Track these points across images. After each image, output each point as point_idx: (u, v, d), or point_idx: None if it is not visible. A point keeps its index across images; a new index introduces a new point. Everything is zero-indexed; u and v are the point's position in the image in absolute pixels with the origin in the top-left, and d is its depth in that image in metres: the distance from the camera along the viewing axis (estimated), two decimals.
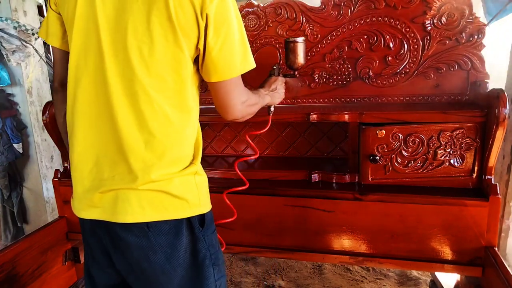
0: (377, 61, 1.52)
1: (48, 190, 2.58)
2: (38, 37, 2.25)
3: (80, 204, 0.89)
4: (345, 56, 1.55)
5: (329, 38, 1.55)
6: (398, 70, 1.51)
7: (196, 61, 0.85)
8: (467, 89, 1.46)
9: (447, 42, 1.44)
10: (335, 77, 1.58)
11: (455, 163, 1.35)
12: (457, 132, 1.32)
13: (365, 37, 1.51)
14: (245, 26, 1.59)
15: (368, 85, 1.56)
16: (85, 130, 0.85)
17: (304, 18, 1.55)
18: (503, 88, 1.29)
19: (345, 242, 1.44)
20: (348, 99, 1.59)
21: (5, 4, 2.28)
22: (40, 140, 2.53)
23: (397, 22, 1.46)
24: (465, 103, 1.45)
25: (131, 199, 0.82)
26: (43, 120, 1.58)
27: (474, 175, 1.35)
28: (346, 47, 1.54)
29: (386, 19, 1.47)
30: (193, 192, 0.88)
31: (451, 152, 1.34)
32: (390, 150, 1.37)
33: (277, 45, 1.60)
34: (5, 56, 2.26)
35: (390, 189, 1.38)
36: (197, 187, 0.89)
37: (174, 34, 0.78)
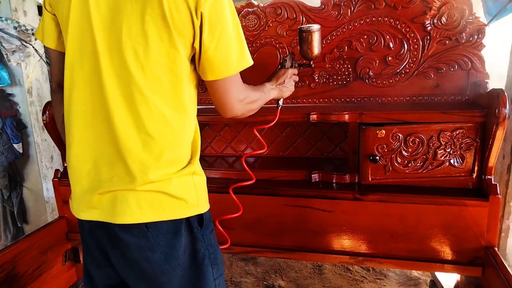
0: (377, 61, 1.52)
1: (48, 190, 2.58)
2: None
3: (78, 205, 0.89)
4: (345, 56, 1.55)
5: (329, 38, 1.55)
6: (398, 70, 1.51)
7: (193, 60, 0.85)
8: (467, 89, 1.46)
9: (447, 42, 1.44)
10: (335, 77, 1.58)
11: (455, 163, 1.35)
12: (457, 132, 1.32)
13: (365, 37, 1.51)
14: (245, 26, 1.61)
15: (368, 85, 1.56)
16: (82, 131, 0.85)
17: (304, 18, 1.55)
18: (503, 88, 1.29)
19: (345, 242, 1.44)
20: (348, 99, 1.59)
21: (5, 4, 2.28)
22: (40, 140, 2.53)
23: (397, 22, 1.46)
24: (465, 103, 1.45)
25: (130, 200, 0.82)
26: (43, 120, 1.58)
27: (474, 175, 1.35)
28: (346, 47, 1.54)
29: (386, 19, 1.47)
30: (192, 192, 0.88)
31: (451, 152, 1.34)
32: (390, 150, 1.37)
33: (277, 45, 1.60)
34: (5, 56, 2.26)
35: (390, 189, 1.38)
36: (195, 187, 0.89)
37: (169, 34, 0.77)
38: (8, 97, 2.41)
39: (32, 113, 2.46)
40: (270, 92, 1.12)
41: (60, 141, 1.54)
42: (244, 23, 1.61)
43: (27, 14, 2.37)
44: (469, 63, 1.43)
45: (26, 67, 2.38)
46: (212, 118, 1.62)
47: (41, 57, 2.44)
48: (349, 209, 1.40)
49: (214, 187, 1.50)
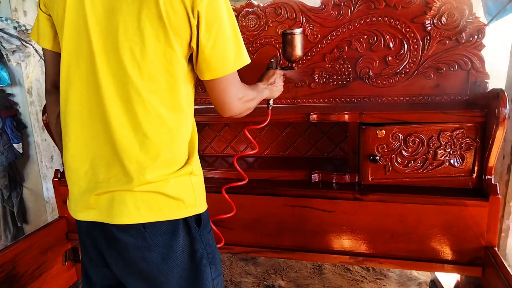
0: (377, 61, 1.52)
1: (48, 190, 2.58)
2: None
3: (76, 206, 0.89)
4: (345, 56, 1.55)
5: (329, 38, 1.55)
6: (398, 70, 1.51)
7: (190, 60, 0.85)
8: (467, 89, 1.46)
9: (447, 42, 1.44)
10: (335, 77, 1.58)
11: (455, 163, 1.35)
12: (457, 132, 1.32)
13: (365, 37, 1.51)
14: (245, 26, 1.61)
15: (368, 85, 1.56)
16: (78, 131, 0.85)
17: (304, 18, 1.55)
18: (503, 88, 1.29)
19: (345, 242, 1.44)
20: (348, 99, 1.59)
21: (5, 4, 2.28)
22: (40, 140, 2.53)
23: (397, 22, 1.46)
24: (465, 103, 1.45)
25: (127, 201, 0.82)
26: (43, 120, 1.58)
27: (474, 175, 1.35)
28: (346, 47, 1.54)
29: (386, 19, 1.47)
30: (189, 193, 0.88)
31: (451, 152, 1.34)
32: (390, 150, 1.37)
33: (277, 45, 1.60)
34: (5, 56, 2.26)
35: (390, 189, 1.38)
36: (193, 187, 0.89)
37: (165, 33, 0.77)
38: (8, 97, 2.41)
39: (32, 113, 2.46)
40: (263, 91, 1.12)
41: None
42: (244, 23, 1.61)
43: (27, 14, 2.37)
44: (469, 63, 1.43)
45: (26, 67, 2.38)
46: (212, 118, 1.62)
47: (41, 57, 2.44)
48: (349, 209, 1.40)
49: (214, 187, 1.50)
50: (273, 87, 1.19)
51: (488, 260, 1.26)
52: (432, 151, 1.35)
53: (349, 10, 1.50)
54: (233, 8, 1.60)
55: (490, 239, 1.29)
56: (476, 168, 1.34)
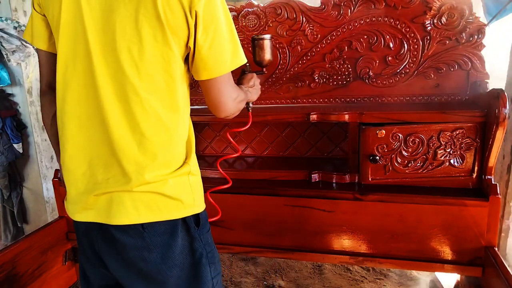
0: (377, 61, 1.52)
1: (48, 190, 2.58)
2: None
3: (74, 207, 0.89)
4: (345, 56, 1.55)
5: (329, 38, 1.55)
6: (398, 70, 1.51)
7: (186, 59, 0.85)
8: (467, 89, 1.46)
9: (447, 42, 1.44)
10: (335, 77, 1.58)
11: (455, 163, 1.35)
12: (457, 132, 1.32)
13: (365, 37, 1.51)
14: (245, 26, 1.61)
15: (368, 85, 1.56)
16: (76, 132, 0.85)
17: (304, 18, 1.55)
18: (503, 88, 1.29)
19: (345, 242, 1.44)
20: (348, 99, 1.59)
21: (5, 4, 2.28)
22: (40, 140, 2.53)
23: (397, 22, 1.46)
24: (465, 103, 1.45)
25: (126, 202, 0.82)
26: (43, 120, 1.58)
27: (474, 175, 1.35)
28: (346, 47, 1.54)
29: (386, 19, 1.47)
30: (188, 193, 0.88)
31: (451, 152, 1.34)
32: (390, 150, 1.37)
33: (277, 45, 1.60)
34: (5, 56, 2.26)
35: (390, 189, 1.38)
36: (191, 187, 0.89)
37: (163, 33, 0.77)
38: (8, 97, 2.41)
39: (32, 113, 2.46)
40: (247, 93, 1.12)
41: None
42: (244, 23, 1.61)
43: (27, 14, 2.37)
44: (469, 63, 1.43)
45: (26, 67, 2.38)
46: (212, 118, 1.62)
47: None
48: (349, 209, 1.40)
49: (213, 187, 1.50)
50: (253, 89, 1.19)
51: (488, 260, 1.26)
52: (432, 151, 1.35)
53: (349, 10, 1.50)
54: (233, 8, 1.60)
55: (490, 239, 1.29)
56: (476, 168, 1.34)
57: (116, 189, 0.83)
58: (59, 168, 1.06)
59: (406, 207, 1.35)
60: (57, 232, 1.69)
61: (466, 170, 1.35)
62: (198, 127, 1.84)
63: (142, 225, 0.83)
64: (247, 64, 1.25)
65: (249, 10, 1.59)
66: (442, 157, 1.35)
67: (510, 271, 1.14)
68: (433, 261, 1.36)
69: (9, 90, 2.41)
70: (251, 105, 1.26)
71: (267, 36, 1.28)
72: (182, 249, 0.87)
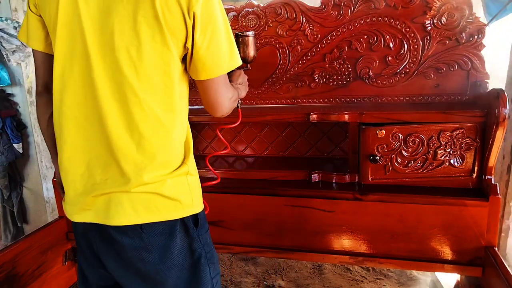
0: (377, 61, 1.52)
1: (48, 190, 2.58)
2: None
3: (72, 208, 0.88)
4: (345, 56, 1.55)
5: (329, 38, 1.55)
6: (398, 70, 1.51)
7: (184, 60, 0.85)
8: (467, 89, 1.46)
9: (447, 42, 1.44)
10: (335, 77, 1.58)
11: (455, 163, 1.35)
12: (457, 132, 1.32)
13: (365, 37, 1.51)
14: (245, 26, 1.61)
15: (368, 85, 1.56)
16: (74, 134, 0.85)
17: (304, 18, 1.55)
18: (503, 88, 1.29)
19: (345, 242, 1.44)
20: (348, 99, 1.59)
21: (5, 4, 2.28)
22: (40, 140, 2.53)
23: (397, 22, 1.46)
24: (465, 103, 1.45)
25: (124, 202, 0.82)
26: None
27: (474, 175, 1.35)
28: (346, 47, 1.54)
29: (386, 19, 1.47)
30: (186, 193, 0.88)
31: (451, 152, 1.34)
32: (390, 150, 1.37)
33: (277, 45, 1.60)
34: (5, 56, 2.26)
35: (390, 189, 1.38)
36: (189, 187, 0.89)
37: (162, 34, 0.77)
38: (8, 97, 2.41)
39: (32, 113, 2.46)
40: (237, 91, 1.13)
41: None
42: (244, 23, 1.61)
43: None
44: (469, 63, 1.43)
45: (26, 67, 2.38)
46: (212, 118, 1.62)
47: None
48: (349, 209, 1.40)
49: (214, 187, 1.50)
50: (242, 86, 1.20)
51: (488, 260, 1.26)
52: (432, 151, 1.35)
53: (349, 10, 1.50)
54: (233, 8, 1.60)
55: (490, 239, 1.29)
56: (476, 168, 1.34)
57: (114, 189, 0.83)
58: (55, 169, 1.05)
59: (406, 207, 1.35)
60: (57, 232, 1.69)
61: (466, 170, 1.35)
62: (198, 127, 1.84)
63: (140, 225, 0.83)
64: None
65: (249, 10, 1.59)
66: (442, 157, 1.35)
67: (510, 271, 1.14)
68: (433, 261, 1.36)
69: (9, 90, 2.42)
70: (240, 101, 1.27)
71: (251, 33, 1.28)
72: (180, 249, 0.87)
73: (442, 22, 1.43)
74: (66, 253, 1.74)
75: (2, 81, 2.30)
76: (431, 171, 1.37)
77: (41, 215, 2.61)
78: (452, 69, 1.46)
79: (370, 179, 1.42)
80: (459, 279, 1.54)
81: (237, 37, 1.27)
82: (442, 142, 1.34)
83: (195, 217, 0.91)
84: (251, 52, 1.29)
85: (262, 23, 1.60)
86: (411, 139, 1.35)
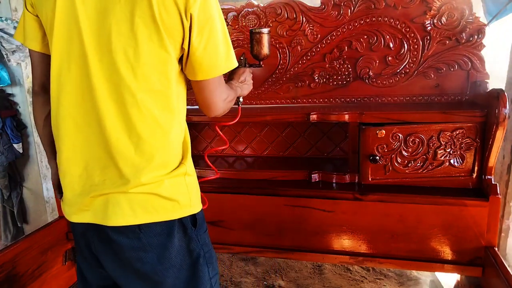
0: (377, 61, 1.52)
1: (48, 190, 2.58)
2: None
3: (70, 208, 0.89)
4: (345, 56, 1.55)
5: (329, 38, 1.55)
6: (398, 70, 1.51)
7: (181, 60, 0.85)
8: (467, 89, 1.46)
9: (447, 42, 1.44)
10: (335, 77, 1.58)
11: (455, 163, 1.35)
12: (457, 132, 1.32)
13: (365, 37, 1.51)
14: (245, 26, 1.61)
15: (368, 85, 1.56)
16: (72, 135, 0.85)
17: (304, 18, 1.55)
18: (503, 88, 1.29)
19: (345, 242, 1.44)
20: (348, 99, 1.59)
21: (5, 4, 2.28)
22: (40, 140, 2.53)
23: (397, 22, 1.46)
24: (465, 103, 1.45)
25: (122, 203, 0.82)
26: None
27: (474, 175, 1.35)
28: (346, 47, 1.54)
29: (386, 19, 1.47)
30: (184, 193, 0.88)
31: (451, 152, 1.34)
32: (390, 150, 1.37)
33: (277, 45, 1.60)
34: (5, 56, 2.26)
35: (390, 189, 1.38)
36: (187, 187, 0.89)
37: (159, 35, 0.77)
38: (8, 97, 2.41)
39: (32, 113, 2.46)
40: (237, 90, 1.13)
41: None
42: (244, 23, 1.61)
43: None
44: (469, 63, 1.43)
45: (26, 67, 2.37)
46: (212, 118, 1.62)
47: None
48: (349, 209, 1.40)
49: (214, 187, 1.50)
50: (244, 85, 1.19)
51: (488, 260, 1.26)
52: (432, 151, 1.35)
53: (349, 10, 1.50)
54: (233, 8, 1.60)
55: (490, 239, 1.29)
56: (476, 168, 1.34)
57: (112, 190, 0.83)
58: (51, 169, 1.05)
59: (406, 207, 1.35)
60: (57, 232, 1.69)
61: (466, 170, 1.35)
62: (198, 127, 1.84)
63: (138, 226, 0.83)
64: (241, 58, 1.25)
65: (249, 10, 1.59)
66: (442, 157, 1.35)
67: (510, 271, 1.14)
68: (433, 261, 1.36)
69: (9, 90, 2.41)
70: (241, 100, 1.27)
71: (265, 30, 1.26)
72: (179, 249, 0.87)
73: (442, 22, 1.42)
74: (66, 253, 1.74)
75: (2, 81, 2.30)
76: (431, 171, 1.37)
77: (41, 215, 2.61)
78: (452, 69, 1.46)
79: (370, 179, 1.42)
80: (459, 279, 1.54)
81: (251, 33, 1.26)
82: (442, 142, 1.34)
83: (193, 217, 0.91)
84: (263, 50, 1.27)
85: (262, 23, 1.60)
86: (411, 139, 1.35)
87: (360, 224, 1.40)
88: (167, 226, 0.85)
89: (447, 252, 1.35)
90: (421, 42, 1.46)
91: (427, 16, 1.43)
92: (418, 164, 1.37)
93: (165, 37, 0.78)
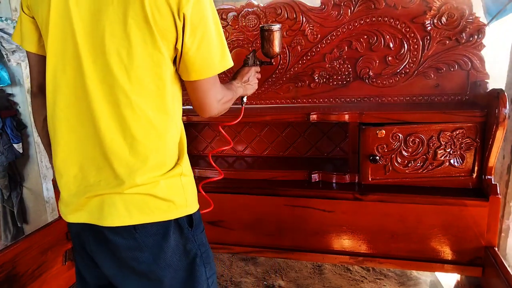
0: (377, 61, 1.52)
1: (48, 190, 2.58)
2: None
3: (66, 209, 0.89)
4: (345, 56, 1.55)
5: (329, 38, 1.55)
6: (398, 70, 1.51)
7: (175, 61, 0.85)
8: (467, 89, 1.46)
9: (447, 42, 1.44)
10: (335, 77, 1.58)
11: (455, 163, 1.35)
12: (457, 132, 1.32)
13: (365, 37, 1.51)
14: (245, 26, 1.61)
15: (368, 85, 1.56)
16: (67, 135, 0.85)
17: (304, 18, 1.55)
18: (503, 88, 1.29)
19: (345, 242, 1.44)
20: (348, 99, 1.59)
21: (5, 4, 2.28)
22: (40, 140, 2.53)
23: (397, 22, 1.46)
24: (465, 103, 1.45)
25: (117, 203, 0.82)
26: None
27: (474, 175, 1.35)
28: (346, 47, 1.54)
29: (386, 19, 1.47)
30: (180, 194, 0.88)
31: (451, 152, 1.34)
32: (390, 150, 1.37)
33: None
34: (5, 56, 2.26)
35: (390, 189, 1.38)
36: (183, 188, 0.89)
37: (152, 36, 0.77)
38: (8, 97, 2.41)
39: (32, 113, 2.46)
40: (238, 90, 1.12)
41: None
42: (244, 23, 1.61)
43: None
44: (469, 63, 1.43)
45: (26, 67, 2.37)
46: (212, 118, 1.62)
47: None
48: (349, 209, 1.40)
49: (214, 187, 1.50)
50: (247, 85, 1.19)
51: (488, 260, 1.26)
52: (432, 151, 1.35)
53: (349, 10, 1.50)
54: (233, 8, 1.60)
55: (490, 239, 1.29)
56: (476, 168, 1.34)
57: (107, 191, 0.83)
58: (52, 169, 1.05)
59: (406, 207, 1.35)
60: (57, 232, 1.69)
61: (466, 170, 1.35)
62: (198, 127, 1.84)
63: (134, 226, 0.83)
64: (249, 56, 1.24)
65: (249, 10, 1.59)
66: (442, 157, 1.35)
67: (510, 271, 1.14)
68: (433, 261, 1.36)
69: (9, 90, 2.41)
70: (244, 100, 1.25)
71: (275, 27, 1.22)
72: (175, 250, 0.87)
73: (442, 22, 1.42)
74: (66, 253, 1.74)
75: (2, 81, 2.30)
76: (431, 171, 1.37)
77: (41, 215, 2.61)
78: (452, 69, 1.46)
79: (370, 179, 1.42)
80: (459, 279, 1.54)
81: (261, 30, 1.24)
82: (442, 142, 1.34)
83: (189, 217, 0.91)
84: (274, 48, 1.23)
85: (262, 23, 1.60)
86: (411, 139, 1.35)
87: (360, 224, 1.40)
88: (163, 227, 0.85)
89: (447, 252, 1.35)
90: (421, 42, 1.46)
91: (427, 16, 1.43)
92: (418, 164, 1.37)
93: (158, 38, 0.78)
